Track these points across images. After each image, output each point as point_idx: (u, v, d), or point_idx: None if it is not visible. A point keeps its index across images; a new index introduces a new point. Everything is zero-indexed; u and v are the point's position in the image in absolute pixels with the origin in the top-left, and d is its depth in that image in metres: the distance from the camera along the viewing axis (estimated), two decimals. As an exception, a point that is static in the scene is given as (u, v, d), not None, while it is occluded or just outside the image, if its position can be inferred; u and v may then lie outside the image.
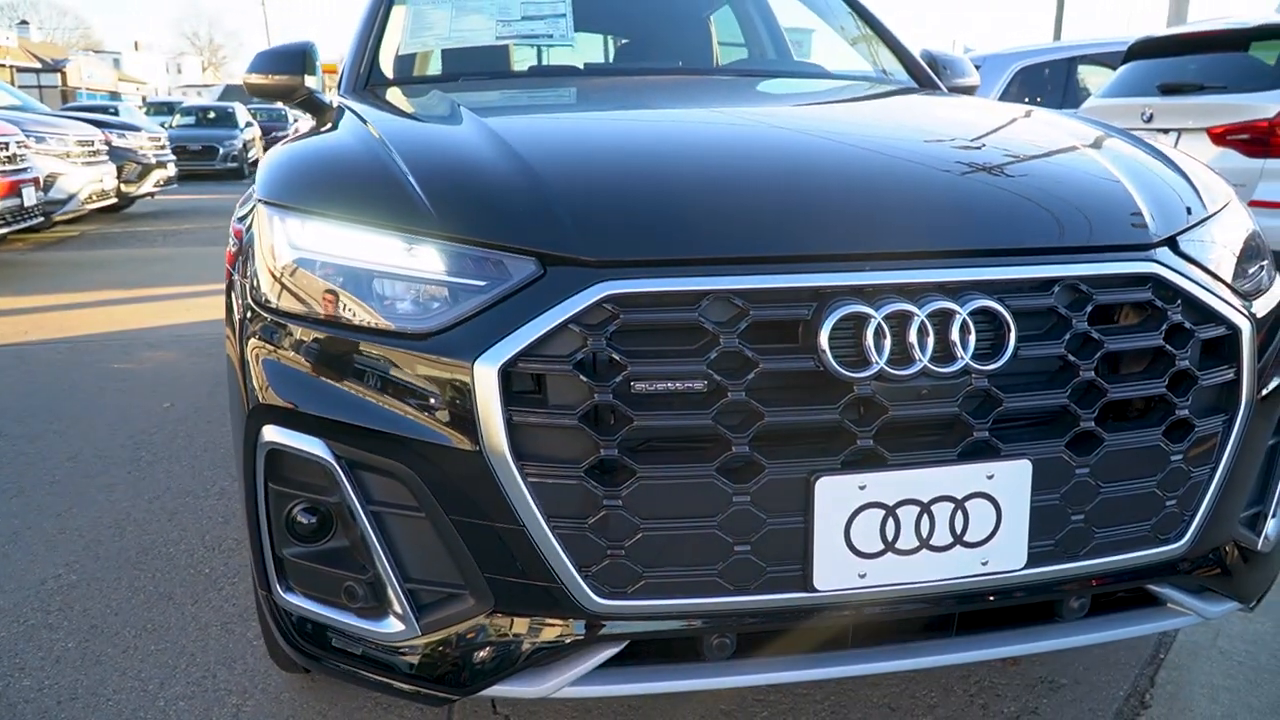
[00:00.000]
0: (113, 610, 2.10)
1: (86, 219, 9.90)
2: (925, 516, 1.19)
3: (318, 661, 1.36)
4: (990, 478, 1.20)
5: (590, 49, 3.10)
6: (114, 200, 9.64)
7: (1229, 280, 1.39)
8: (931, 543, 1.20)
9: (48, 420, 3.44)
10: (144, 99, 33.78)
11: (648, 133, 1.74)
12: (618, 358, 1.14)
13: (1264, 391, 1.37)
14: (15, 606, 2.12)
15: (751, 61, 3.07)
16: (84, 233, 9.31)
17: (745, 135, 1.69)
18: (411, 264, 1.25)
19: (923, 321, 1.18)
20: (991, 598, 1.27)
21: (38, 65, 40.76)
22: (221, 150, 17.64)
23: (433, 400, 1.19)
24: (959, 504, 1.20)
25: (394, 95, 2.17)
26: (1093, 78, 6.74)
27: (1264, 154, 4.21)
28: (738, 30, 3.26)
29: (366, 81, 2.37)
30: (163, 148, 11.43)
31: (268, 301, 1.34)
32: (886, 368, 1.16)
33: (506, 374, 1.15)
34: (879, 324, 1.17)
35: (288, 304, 1.32)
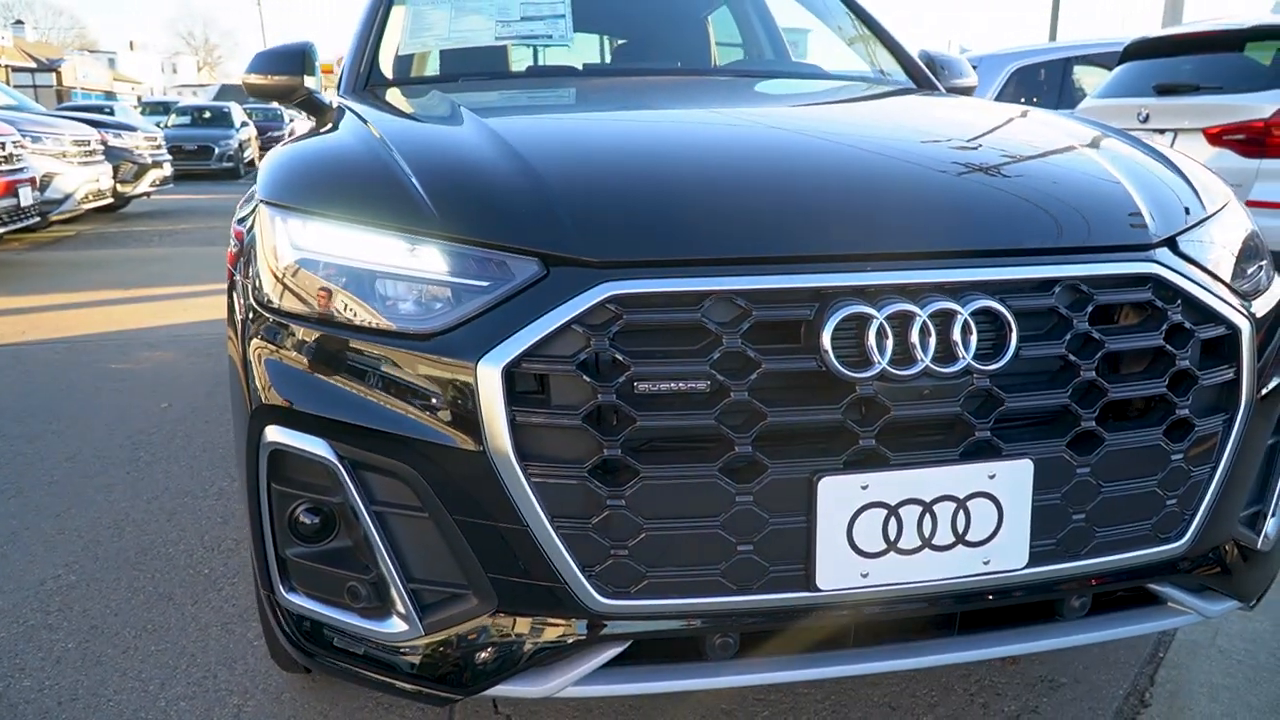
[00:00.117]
0: (112, 611, 2.09)
1: (83, 219, 9.88)
2: (927, 516, 1.20)
3: (320, 662, 1.36)
4: (992, 477, 1.20)
5: (589, 49, 3.10)
6: (110, 200, 9.62)
7: (1228, 280, 1.39)
8: (934, 542, 1.20)
9: (46, 420, 3.43)
10: (139, 99, 33.74)
11: (649, 133, 1.74)
12: (621, 358, 1.14)
13: (1263, 391, 1.38)
14: (15, 607, 2.11)
15: (750, 62, 3.08)
16: (80, 233, 9.29)
17: (747, 136, 1.70)
18: (414, 264, 1.25)
19: (924, 322, 1.18)
20: (993, 597, 1.28)
21: (33, 65, 40.66)
22: (217, 150, 17.62)
23: (436, 401, 1.19)
24: (961, 503, 1.20)
25: (394, 96, 2.17)
26: (1088, 78, 6.76)
27: (1260, 154, 4.23)
28: (736, 31, 3.27)
29: (366, 82, 2.37)
30: (159, 147, 11.42)
31: (270, 302, 1.34)
32: (888, 368, 1.17)
33: (510, 374, 1.15)
34: (881, 324, 1.17)
35: (290, 304, 1.32)
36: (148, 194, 11.12)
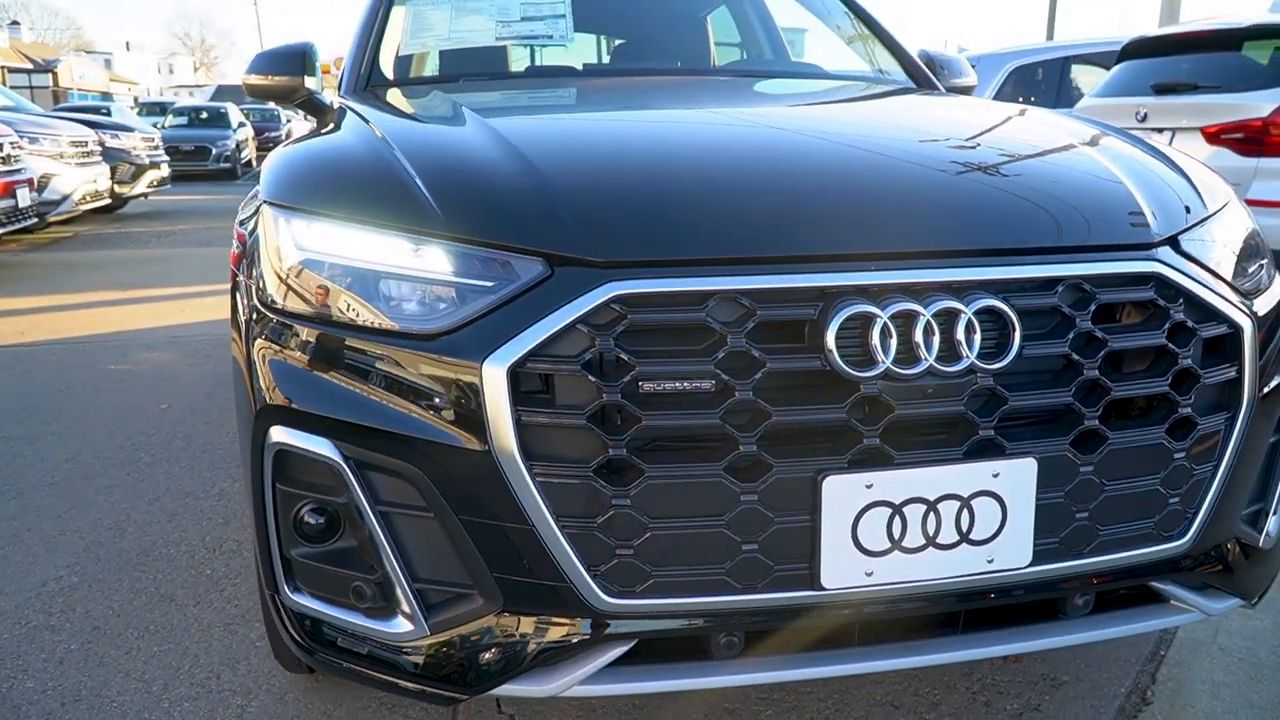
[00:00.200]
0: (115, 612, 2.09)
1: (80, 220, 9.87)
2: (931, 515, 1.20)
3: (324, 662, 1.36)
4: (996, 476, 1.21)
5: (589, 50, 3.10)
6: (108, 201, 9.61)
7: (1230, 279, 1.40)
8: (938, 541, 1.21)
9: (45, 422, 3.43)
10: (136, 99, 33.69)
11: (652, 133, 1.75)
12: (625, 358, 1.15)
13: (1265, 390, 1.38)
14: (17, 608, 2.11)
15: (750, 62, 3.08)
16: (78, 234, 9.28)
17: (750, 136, 1.70)
18: (419, 265, 1.25)
19: (928, 321, 1.18)
20: (997, 595, 1.28)
21: (29, 66, 40.57)
22: (214, 151, 17.60)
23: (441, 401, 1.19)
24: (965, 502, 1.20)
25: (395, 96, 2.17)
26: (1084, 77, 6.77)
27: (1258, 153, 4.24)
28: (735, 31, 3.27)
29: (367, 82, 2.37)
30: (156, 148, 11.41)
31: (274, 303, 1.34)
32: (893, 367, 1.17)
33: (515, 374, 1.15)
34: (885, 323, 1.17)
35: (294, 305, 1.32)
36: (145, 195, 11.11)
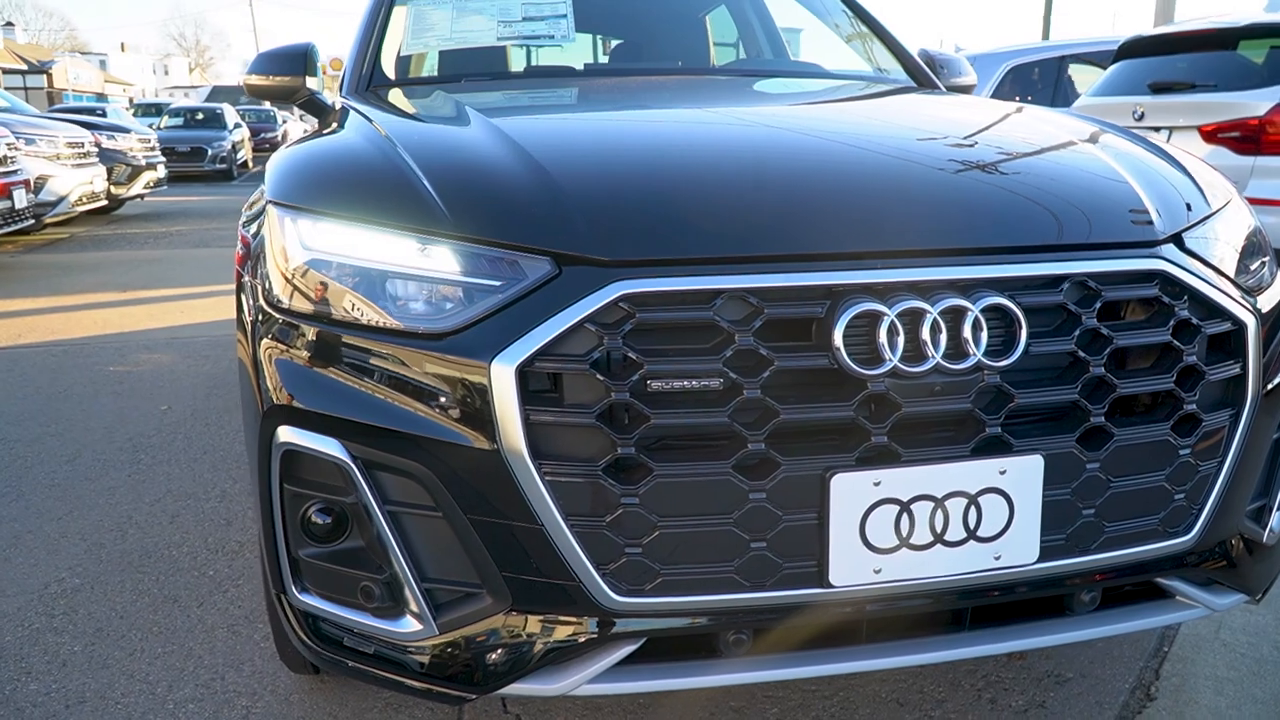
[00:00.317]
0: (118, 614, 2.09)
1: (76, 221, 9.86)
2: (939, 512, 1.20)
3: (332, 662, 1.36)
4: (1003, 473, 1.21)
5: (589, 49, 3.10)
6: (104, 202, 9.60)
7: (1233, 276, 1.40)
8: (945, 538, 1.21)
9: (45, 423, 3.42)
10: (131, 100, 33.59)
11: (658, 133, 1.75)
12: (634, 356, 1.15)
13: (1269, 386, 1.39)
14: (19, 611, 2.11)
15: (751, 61, 3.08)
16: (74, 235, 9.26)
17: (754, 135, 1.70)
18: (426, 264, 1.25)
19: (935, 319, 1.19)
20: (1004, 592, 1.28)
21: (23, 67, 40.46)
22: (210, 151, 17.57)
23: (449, 400, 1.19)
24: (972, 499, 1.21)
25: (398, 96, 2.17)
26: (1081, 76, 6.78)
27: (1255, 151, 4.25)
28: (734, 30, 3.28)
29: (369, 83, 2.37)
30: (152, 149, 11.38)
31: (280, 303, 1.34)
32: (900, 365, 1.17)
33: (523, 373, 1.15)
34: (892, 321, 1.18)
35: (301, 305, 1.32)
36: (141, 196, 11.09)
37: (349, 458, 1.24)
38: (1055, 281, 1.26)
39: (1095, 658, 1.86)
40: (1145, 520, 1.31)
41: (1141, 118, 4.77)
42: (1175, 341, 1.29)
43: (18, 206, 6.94)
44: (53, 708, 1.76)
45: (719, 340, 1.17)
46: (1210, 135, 4.42)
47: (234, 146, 18.56)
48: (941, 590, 1.25)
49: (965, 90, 2.66)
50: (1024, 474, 1.22)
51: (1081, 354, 1.25)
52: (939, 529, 1.21)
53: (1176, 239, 1.37)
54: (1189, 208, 1.45)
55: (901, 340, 1.18)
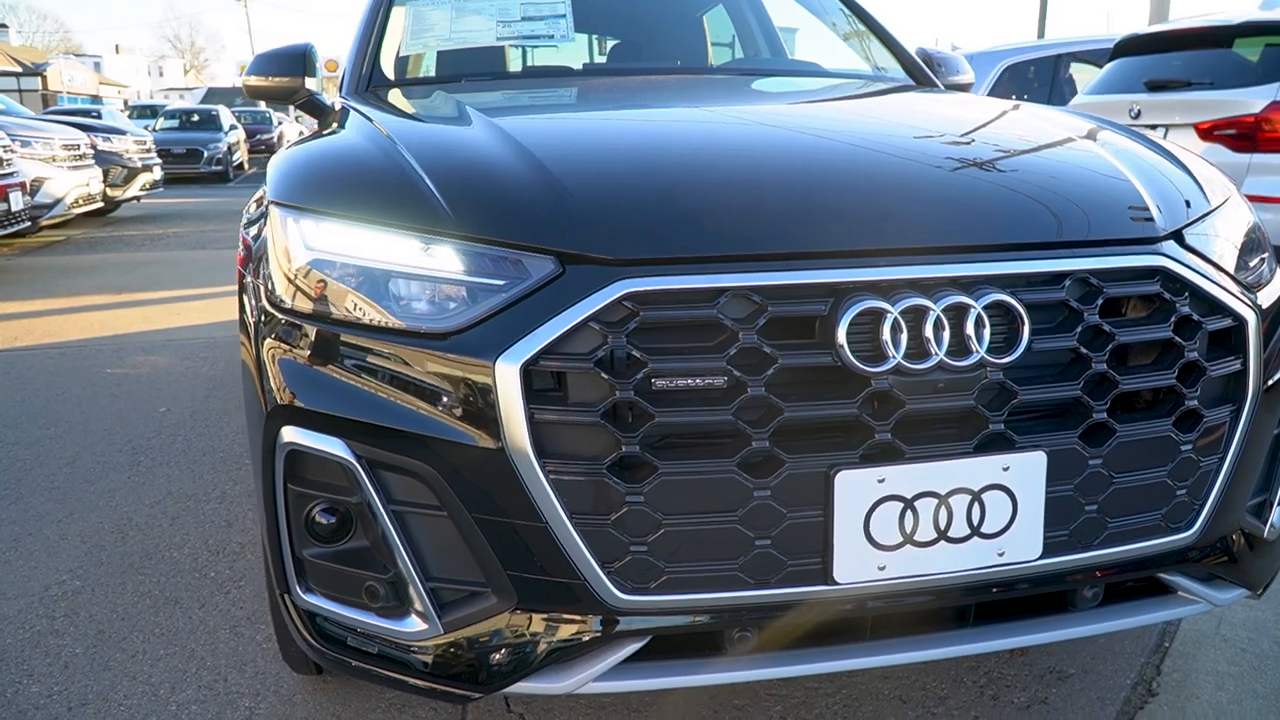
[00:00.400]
0: (119, 615, 2.09)
1: (72, 223, 9.83)
2: (943, 508, 1.21)
3: (336, 661, 1.36)
4: (1006, 469, 1.21)
5: (587, 49, 3.10)
6: (100, 204, 9.58)
7: (1233, 272, 1.41)
8: (949, 534, 1.21)
9: (43, 426, 3.42)
10: (126, 102, 33.52)
11: (660, 132, 1.75)
12: (638, 355, 1.15)
13: (1269, 382, 1.39)
14: (20, 613, 2.11)
15: (750, 60, 3.09)
16: (70, 237, 9.24)
17: (756, 134, 1.70)
18: (429, 264, 1.26)
19: (938, 316, 1.19)
20: (1008, 588, 1.29)
21: (18, 69, 40.33)
22: (206, 153, 17.56)
23: (454, 399, 1.19)
24: (976, 496, 1.21)
25: (398, 96, 2.17)
26: (1077, 74, 6.79)
27: (1251, 149, 4.26)
28: (732, 30, 3.28)
29: (369, 83, 2.37)
30: (148, 151, 11.37)
31: (283, 303, 1.34)
32: (903, 362, 1.18)
33: (528, 372, 1.15)
34: (895, 319, 1.18)
35: (304, 305, 1.32)
36: (137, 198, 11.07)
37: (353, 457, 1.24)
38: (1057, 278, 1.26)
39: (1097, 653, 1.86)
40: (1147, 516, 1.31)
41: (1138, 115, 4.78)
42: (1176, 338, 1.29)
43: (14, 209, 6.92)
44: (55, 710, 1.76)
45: (723, 338, 1.17)
46: (1206, 133, 4.43)
47: (230, 148, 18.55)
48: (945, 587, 1.25)
49: (963, 88, 2.67)
50: (1027, 470, 1.22)
51: (1083, 350, 1.25)
52: (943, 525, 1.21)
53: (1177, 235, 1.38)
54: (1189, 204, 1.46)
55: (905, 337, 1.18)
